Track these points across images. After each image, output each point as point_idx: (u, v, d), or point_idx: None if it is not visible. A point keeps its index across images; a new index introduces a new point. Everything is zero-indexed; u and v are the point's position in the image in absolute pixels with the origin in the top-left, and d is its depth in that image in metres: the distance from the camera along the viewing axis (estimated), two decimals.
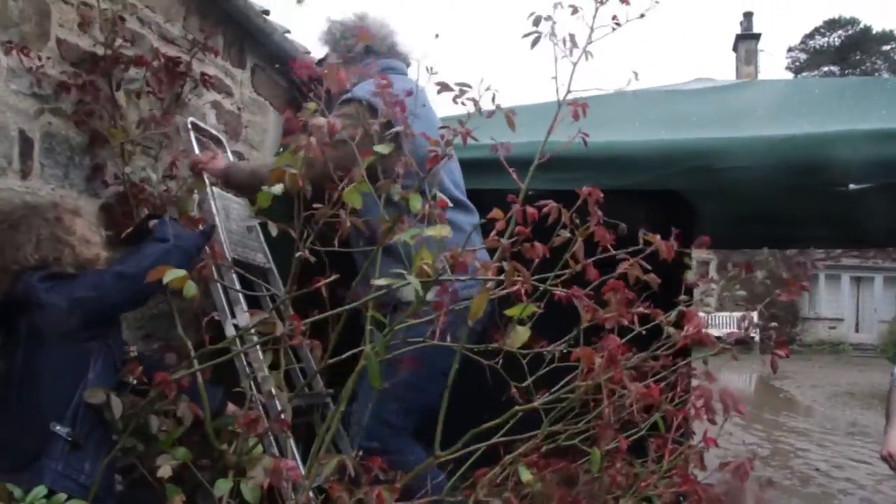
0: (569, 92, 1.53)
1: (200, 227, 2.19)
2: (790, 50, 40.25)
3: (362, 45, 2.44)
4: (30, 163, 2.15)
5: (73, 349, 1.83)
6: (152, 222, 2.12)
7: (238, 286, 2.33)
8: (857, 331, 25.27)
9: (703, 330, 1.53)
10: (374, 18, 2.60)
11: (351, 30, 2.55)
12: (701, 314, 1.63)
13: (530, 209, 1.43)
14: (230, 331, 2.20)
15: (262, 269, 2.70)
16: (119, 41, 2.36)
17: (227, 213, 2.56)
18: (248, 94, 3.45)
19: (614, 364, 1.47)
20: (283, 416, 1.86)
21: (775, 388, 13.50)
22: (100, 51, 2.36)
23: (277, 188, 1.34)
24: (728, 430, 1.57)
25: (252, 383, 2.06)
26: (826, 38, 39.04)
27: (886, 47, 37.14)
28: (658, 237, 1.53)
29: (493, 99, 1.51)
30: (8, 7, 2.03)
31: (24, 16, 2.09)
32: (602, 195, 1.48)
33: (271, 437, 2.08)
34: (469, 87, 1.51)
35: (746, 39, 28.72)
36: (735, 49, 29.15)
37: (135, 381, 1.88)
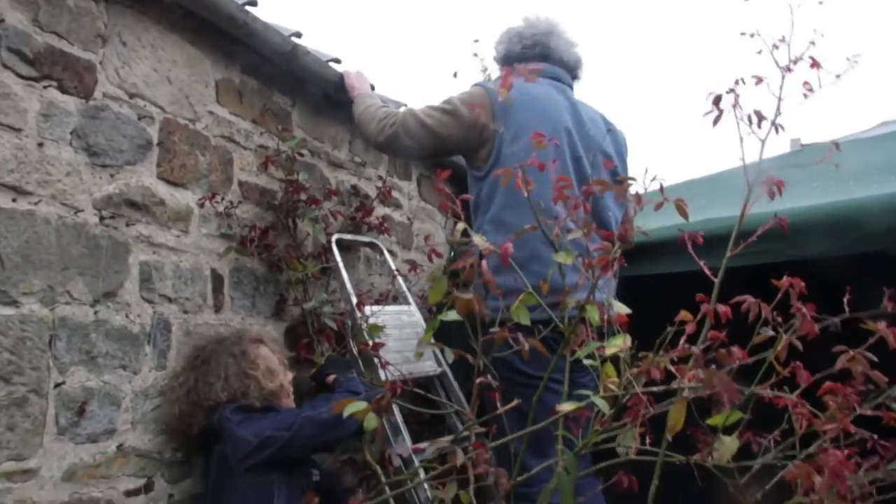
0: (760, 171, 1.39)
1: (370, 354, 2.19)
2: None
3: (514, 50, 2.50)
4: (221, 297, 2.32)
5: (257, 479, 1.90)
6: (331, 377, 2.21)
7: (398, 414, 2.27)
8: None
9: None
10: (530, 19, 2.55)
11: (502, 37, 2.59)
12: None
13: (723, 308, 1.28)
14: (396, 461, 2.16)
15: (435, 377, 2.63)
16: (294, 175, 2.53)
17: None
18: (417, 203, 3.57)
19: (840, 481, 1.25)
20: None
21: None
22: (276, 186, 2.55)
23: (452, 315, 1.31)
24: None
25: None
26: None
27: None
28: (882, 326, 1.31)
29: (662, 190, 1.40)
30: (199, 162, 2.25)
31: (212, 167, 2.31)
32: (804, 285, 1.31)
33: None
34: (633, 179, 1.42)
35: None
36: None
37: None
